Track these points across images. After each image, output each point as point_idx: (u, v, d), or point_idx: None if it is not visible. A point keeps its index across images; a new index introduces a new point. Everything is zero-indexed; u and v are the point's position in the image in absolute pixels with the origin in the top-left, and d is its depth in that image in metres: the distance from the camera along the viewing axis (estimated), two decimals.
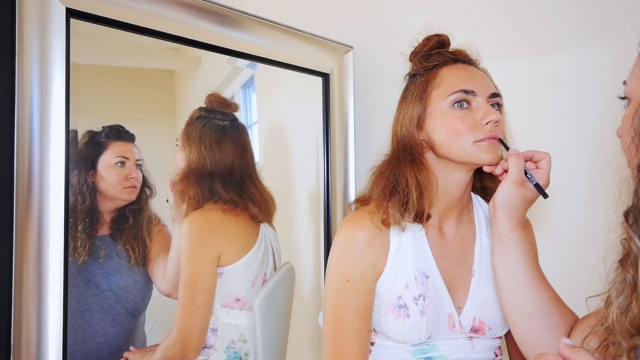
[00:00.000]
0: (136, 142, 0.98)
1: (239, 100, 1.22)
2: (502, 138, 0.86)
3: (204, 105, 1.14)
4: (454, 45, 0.95)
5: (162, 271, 1.04)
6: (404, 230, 0.88)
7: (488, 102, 0.86)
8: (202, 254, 1.10)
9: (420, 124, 0.89)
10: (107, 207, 0.93)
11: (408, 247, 0.88)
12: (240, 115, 1.21)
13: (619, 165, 0.60)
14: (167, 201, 1.06)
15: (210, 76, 1.18)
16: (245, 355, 1.15)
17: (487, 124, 0.83)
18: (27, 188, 0.79)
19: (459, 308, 0.88)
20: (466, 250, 0.93)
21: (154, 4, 0.97)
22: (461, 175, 0.89)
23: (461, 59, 0.92)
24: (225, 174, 1.15)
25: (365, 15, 1.51)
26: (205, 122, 1.12)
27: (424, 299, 0.85)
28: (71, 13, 0.85)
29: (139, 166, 0.96)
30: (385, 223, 0.88)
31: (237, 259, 1.15)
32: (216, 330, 1.12)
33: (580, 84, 1.16)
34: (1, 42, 0.78)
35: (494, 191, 0.97)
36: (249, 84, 1.25)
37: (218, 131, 1.14)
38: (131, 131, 1.00)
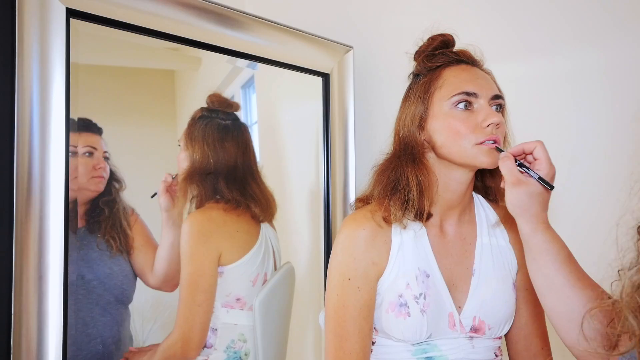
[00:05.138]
0: (103, 136, 0.96)
1: (239, 100, 1.22)
2: (503, 140, 0.87)
3: (205, 105, 1.14)
4: (459, 45, 0.95)
5: (149, 265, 1.03)
6: (405, 227, 0.88)
7: (490, 104, 0.86)
8: (202, 253, 1.10)
9: (422, 124, 0.89)
10: (78, 199, 0.92)
11: (409, 245, 0.88)
12: (240, 115, 1.21)
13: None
14: (152, 197, 1.05)
15: (210, 76, 1.18)
16: (245, 355, 1.15)
17: (488, 126, 0.84)
18: (27, 188, 0.79)
19: (459, 307, 0.88)
20: (467, 249, 0.92)
21: (154, 4, 0.97)
22: (462, 175, 0.89)
23: (465, 59, 0.92)
24: (228, 173, 1.15)
25: (365, 15, 1.51)
26: (207, 121, 1.13)
27: (424, 298, 0.85)
28: (71, 13, 0.85)
29: (106, 159, 0.96)
30: (387, 220, 0.88)
31: (237, 258, 1.15)
32: (216, 329, 1.12)
33: (579, 84, 1.16)
34: (1, 42, 0.78)
35: (495, 191, 0.98)
36: (249, 84, 1.25)
37: (220, 130, 1.15)
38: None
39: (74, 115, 0.86)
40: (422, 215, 0.87)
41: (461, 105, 0.85)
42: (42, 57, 0.81)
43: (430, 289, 0.86)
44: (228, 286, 1.13)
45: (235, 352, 1.13)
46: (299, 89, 1.37)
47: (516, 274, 0.95)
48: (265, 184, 1.23)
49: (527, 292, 0.95)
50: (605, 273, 0.72)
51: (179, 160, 1.10)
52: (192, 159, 1.10)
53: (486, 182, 0.98)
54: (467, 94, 0.85)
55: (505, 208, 0.98)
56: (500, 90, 0.90)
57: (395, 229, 0.88)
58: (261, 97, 1.28)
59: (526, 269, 0.94)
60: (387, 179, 0.90)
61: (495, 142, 0.84)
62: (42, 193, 0.80)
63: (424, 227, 0.90)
